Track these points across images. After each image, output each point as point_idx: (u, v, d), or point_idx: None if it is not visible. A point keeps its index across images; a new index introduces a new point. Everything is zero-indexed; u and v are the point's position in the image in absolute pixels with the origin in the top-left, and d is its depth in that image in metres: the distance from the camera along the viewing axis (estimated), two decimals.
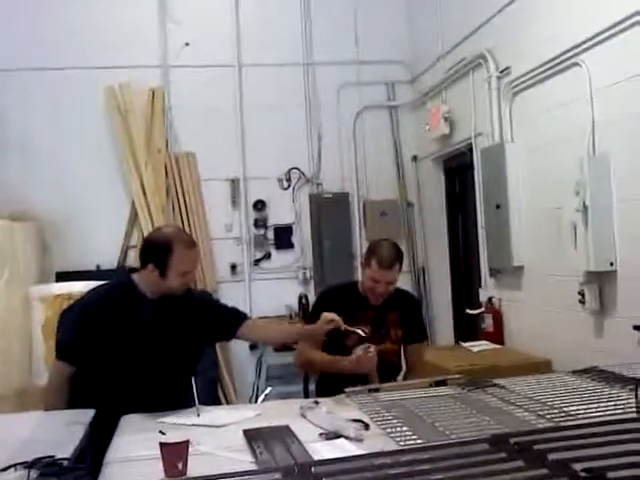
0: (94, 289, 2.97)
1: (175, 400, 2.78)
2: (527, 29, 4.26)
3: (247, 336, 3.22)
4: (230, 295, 5.73)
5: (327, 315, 2.91)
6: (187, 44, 6.07)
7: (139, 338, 2.80)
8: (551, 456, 1.57)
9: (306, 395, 3.51)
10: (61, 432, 2.33)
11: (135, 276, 2.90)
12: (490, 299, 4.81)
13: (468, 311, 5.08)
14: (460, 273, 5.77)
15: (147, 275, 2.82)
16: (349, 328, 2.94)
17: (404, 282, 5.40)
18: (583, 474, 1.43)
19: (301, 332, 3.33)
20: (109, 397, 2.75)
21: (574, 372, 2.80)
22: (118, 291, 2.90)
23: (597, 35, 3.53)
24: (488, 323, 4.73)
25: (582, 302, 3.68)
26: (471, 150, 5.10)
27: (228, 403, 5.46)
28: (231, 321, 3.01)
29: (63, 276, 5.50)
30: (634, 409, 2.02)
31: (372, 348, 3.01)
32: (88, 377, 2.80)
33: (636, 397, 1.90)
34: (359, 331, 2.96)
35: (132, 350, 2.79)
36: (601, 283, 3.60)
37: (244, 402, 5.47)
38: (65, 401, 2.77)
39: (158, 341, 2.83)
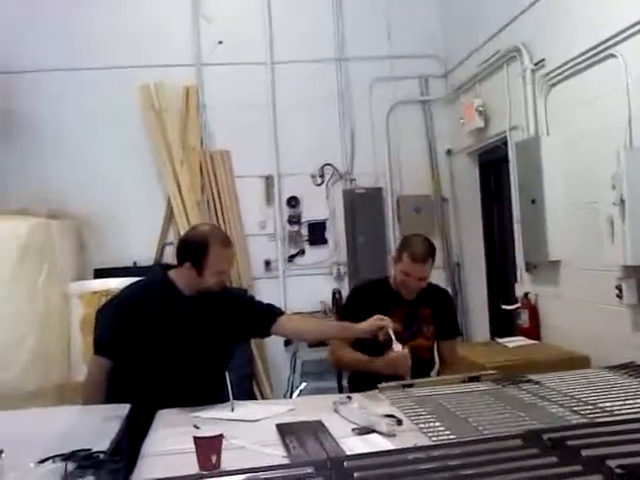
0: (131, 285, 3.01)
1: (210, 395, 2.80)
2: (561, 21, 4.20)
3: (282, 332, 3.21)
4: (264, 291, 5.77)
5: (378, 316, 2.91)
6: (220, 42, 6.11)
7: (176, 334, 2.83)
8: (585, 452, 1.55)
9: (340, 390, 3.52)
10: (98, 426, 2.37)
11: (171, 273, 2.94)
12: (526, 294, 4.75)
13: (504, 307, 5.03)
14: (495, 268, 5.72)
15: (184, 273, 2.86)
16: (390, 332, 2.92)
17: (438, 278, 5.37)
18: (618, 470, 1.40)
19: (343, 329, 3.17)
20: (146, 392, 2.79)
21: (611, 368, 2.76)
22: (155, 287, 2.95)
23: (633, 25, 3.47)
24: (524, 319, 4.67)
25: (620, 297, 3.62)
26: (506, 144, 5.05)
27: (263, 399, 5.50)
28: (265, 318, 3.01)
29: (101, 273, 5.58)
30: None
31: (406, 351, 2.99)
32: (125, 372, 2.84)
33: None
34: (394, 339, 2.93)
35: (169, 345, 2.82)
36: (639, 277, 3.54)
37: (279, 398, 5.49)
38: (103, 396, 2.81)
39: (194, 337, 2.86)
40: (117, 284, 4.19)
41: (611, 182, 3.53)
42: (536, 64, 4.54)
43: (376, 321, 2.91)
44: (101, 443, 2.12)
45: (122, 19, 5.93)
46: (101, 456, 1.98)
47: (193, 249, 2.85)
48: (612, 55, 3.68)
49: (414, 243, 3.28)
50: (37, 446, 2.06)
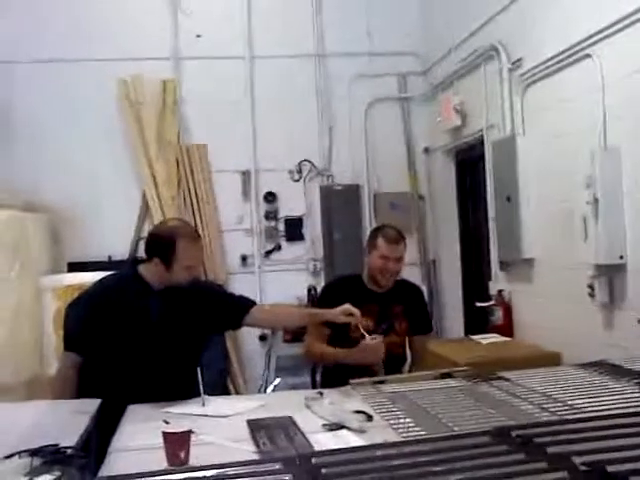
0: (101, 280, 2.99)
1: (182, 390, 2.78)
2: (539, 21, 4.22)
3: (256, 323, 3.23)
4: (240, 286, 5.71)
5: (349, 308, 2.92)
6: (199, 36, 6.07)
7: (146, 328, 2.81)
8: (551, 449, 1.56)
9: (314, 386, 3.51)
10: (66, 421, 2.35)
11: (141, 267, 2.92)
12: (500, 292, 4.79)
13: (477, 304, 5.06)
14: (471, 266, 5.75)
15: (153, 268, 2.85)
16: (361, 328, 2.96)
17: (414, 274, 5.40)
18: (582, 467, 1.41)
19: (312, 314, 3.27)
20: (116, 387, 2.77)
21: (581, 365, 2.78)
22: (124, 282, 2.92)
23: (609, 27, 3.50)
24: (498, 316, 4.71)
25: (592, 295, 3.66)
26: (482, 142, 5.07)
27: (237, 394, 5.48)
28: (238, 309, 3.01)
29: (75, 267, 5.53)
30: (638, 403, 2.01)
31: (380, 339, 3.03)
32: (96, 367, 2.82)
33: None
34: (367, 335, 2.98)
35: (139, 340, 2.80)
36: (611, 276, 3.58)
37: (253, 393, 5.48)
38: (73, 391, 2.79)
39: (165, 331, 2.84)
40: (91, 278, 4.13)
41: (585, 181, 3.56)
42: (513, 63, 4.57)
43: (345, 311, 2.92)
44: (70, 438, 2.09)
45: (101, 11, 5.87)
46: (68, 451, 1.96)
47: (161, 245, 2.83)
48: (588, 55, 3.71)
49: (385, 228, 3.44)
50: (5, 441, 2.04)
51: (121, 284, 2.92)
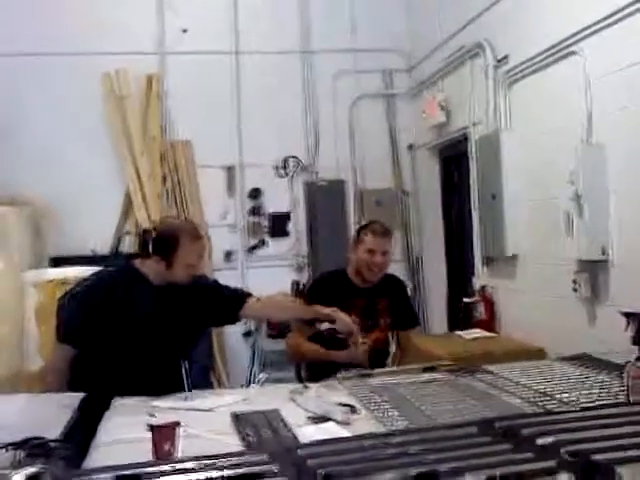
0: (97, 273, 2.98)
1: (170, 384, 2.77)
2: (525, 18, 4.24)
3: (250, 316, 3.25)
4: (224, 282, 5.70)
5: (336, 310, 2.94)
6: (185, 31, 6.03)
7: (144, 322, 2.80)
8: (539, 440, 1.57)
9: (299, 381, 3.51)
10: (51, 414, 2.33)
11: (137, 262, 2.90)
12: (483, 287, 4.81)
13: (465, 300, 5.07)
14: (455, 262, 5.77)
15: (152, 265, 2.84)
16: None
17: (399, 271, 5.40)
18: (568, 457, 1.42)
19: (313, 311, 3.14)
20: (107, 380, 2.76)
21: (564, 359, 2.81)
22: (122, 276, 2.91)
23: (594, 24, 3.52)
24: (481, 311, 4.73)
25: (575, 290, 3.69)
26: (467, 139, 5.09)
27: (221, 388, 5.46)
28: (233, 303, 3.02)
29: (58, 261, 5.48)
30: (622, 395, 2.03)
31: (366, 341, 3.05)
32: (88, 359, 2.81)
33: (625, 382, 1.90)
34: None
35: (137, 334, 2.79)
36: (594, 272, 3.60)
37: (237, 388, 5.46)
38: (64, 383, 2.77)
39: (161, 326, 2.84)
40: (74, 273, 4.10)
41: (569, 177, 3.58)
42: (499, 60, 4.59)
43: (335, 311, 2.94)
44: (55, 431, 2.08)
45: (87, 5, 5.83)
46: (53, 444, 1.95)
47: (164, 243, 2.80)
48: (573, 52, 3.73)
49: (371, 223, 3.50)
50: None
51: (120, 278, 2.91)
